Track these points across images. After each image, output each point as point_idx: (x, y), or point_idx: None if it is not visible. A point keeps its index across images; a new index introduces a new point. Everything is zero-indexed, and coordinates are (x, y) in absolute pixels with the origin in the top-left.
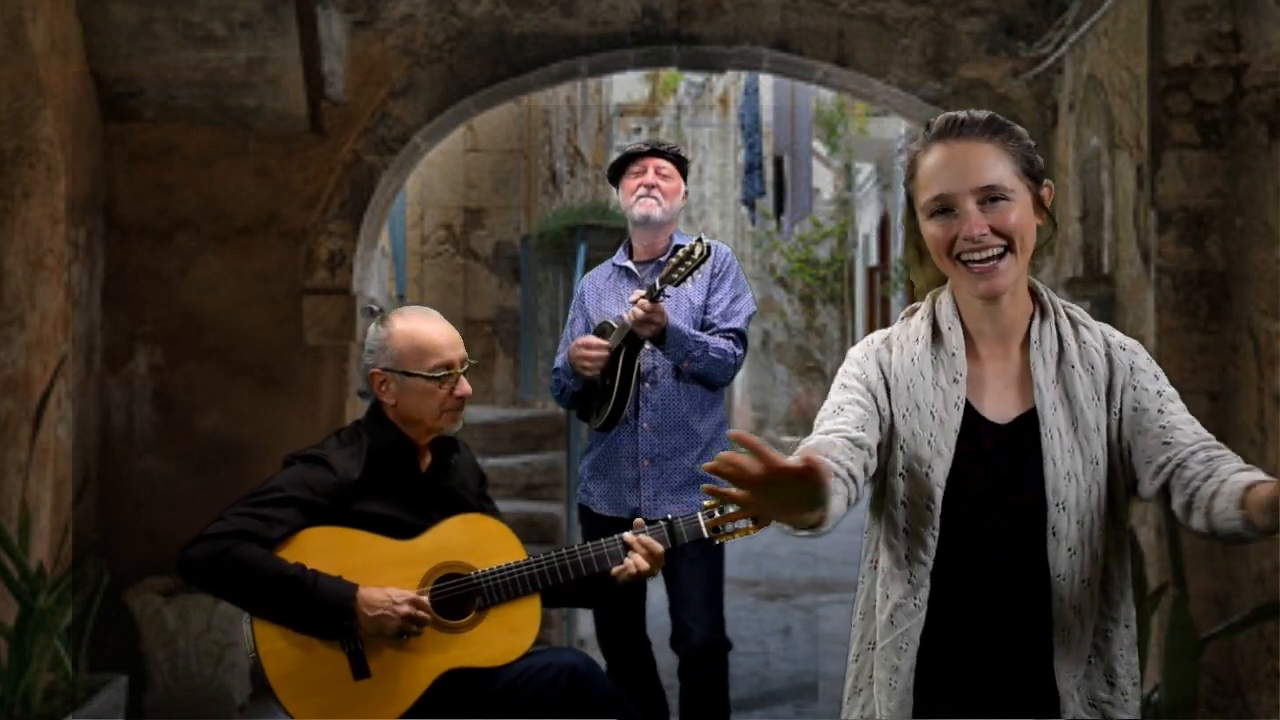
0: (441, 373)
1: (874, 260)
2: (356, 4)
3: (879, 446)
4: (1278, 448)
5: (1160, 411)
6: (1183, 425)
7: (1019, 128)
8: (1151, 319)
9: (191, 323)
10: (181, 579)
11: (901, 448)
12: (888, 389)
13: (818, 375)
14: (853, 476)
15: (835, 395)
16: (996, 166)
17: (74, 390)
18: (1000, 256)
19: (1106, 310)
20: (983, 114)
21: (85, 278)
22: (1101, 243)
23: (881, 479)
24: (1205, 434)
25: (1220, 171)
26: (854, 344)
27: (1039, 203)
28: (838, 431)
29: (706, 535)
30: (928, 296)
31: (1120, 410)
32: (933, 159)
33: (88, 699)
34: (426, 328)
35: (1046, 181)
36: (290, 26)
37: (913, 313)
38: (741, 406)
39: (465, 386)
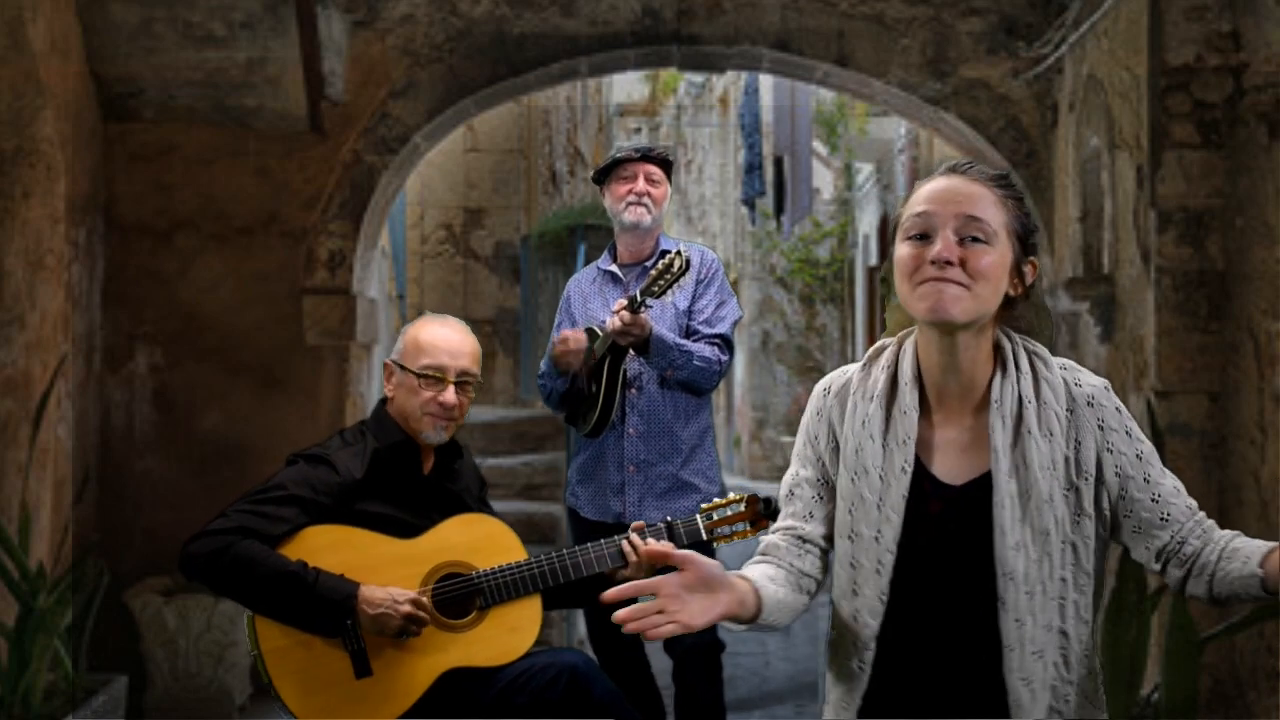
0: (428, 373)
1: (874, 260)
2: (356, 4)
3: (828, 517)
4: (1278, 447)
5: (1147, 481)
6: (1172, 498)
7: (1027, 201)
8: (1151, 319)
9: (191, 323)
10: (183, 574)
11: (851, 510)
12: (837, 449)
13: (818, 375)
14: (805, 573)
15: (794, 464)
16: (989, 208)
17: (74, 390)
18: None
19: (1106, 310)
20: (998, 170)
21: (85, 278)
22: (1101, 243)
23: (832, 540)
24: (1189, 499)
25: (1220, 171)
26: (854, 344)
27: (1019, 272)
28: (786, 530)
29: (705, 538)
30: (895, 340)
31: (1099, 477)
32: (930, 185)
33: (88, 699)
34: (436, 329)
35: (1032, 259)
36: (290, 26)
37: (878, 354)
38: (741, 407)
39: (450, 396)
